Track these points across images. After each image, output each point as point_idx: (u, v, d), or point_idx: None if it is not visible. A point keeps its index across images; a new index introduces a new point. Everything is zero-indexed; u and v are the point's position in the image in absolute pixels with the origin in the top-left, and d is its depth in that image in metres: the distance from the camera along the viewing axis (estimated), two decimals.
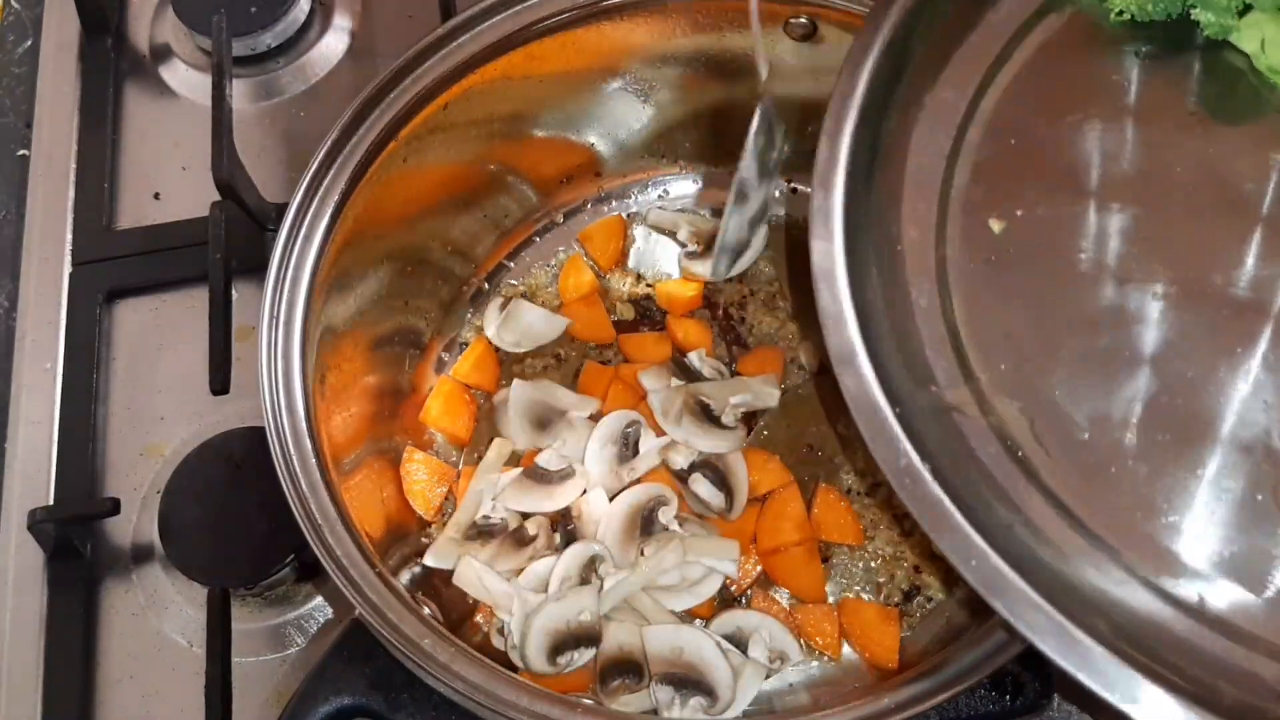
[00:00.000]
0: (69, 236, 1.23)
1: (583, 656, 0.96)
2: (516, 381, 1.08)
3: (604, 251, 1.17)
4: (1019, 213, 0.78)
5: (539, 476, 1.03)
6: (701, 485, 1.02)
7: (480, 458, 1.06)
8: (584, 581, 0.98)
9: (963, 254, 0.77)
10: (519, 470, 1.04)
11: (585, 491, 1.02)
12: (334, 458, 0.91)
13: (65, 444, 1.13)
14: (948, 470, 0.69)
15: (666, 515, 1.00)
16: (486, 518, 1.03)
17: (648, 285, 1.16)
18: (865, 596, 1.01)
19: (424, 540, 1.04)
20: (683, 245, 1.16)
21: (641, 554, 0.98)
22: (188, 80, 1.31)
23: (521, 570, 1.00)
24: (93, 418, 1.14)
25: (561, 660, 0.95)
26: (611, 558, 0.99)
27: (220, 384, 1.02)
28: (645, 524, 1.00)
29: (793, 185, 1.17)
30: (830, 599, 1.01)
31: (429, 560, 1.01)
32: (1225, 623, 0.67)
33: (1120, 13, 0.84)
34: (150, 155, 1.28)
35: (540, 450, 1.05)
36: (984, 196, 0.79)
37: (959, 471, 0.70)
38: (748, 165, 0.95)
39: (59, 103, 1.30)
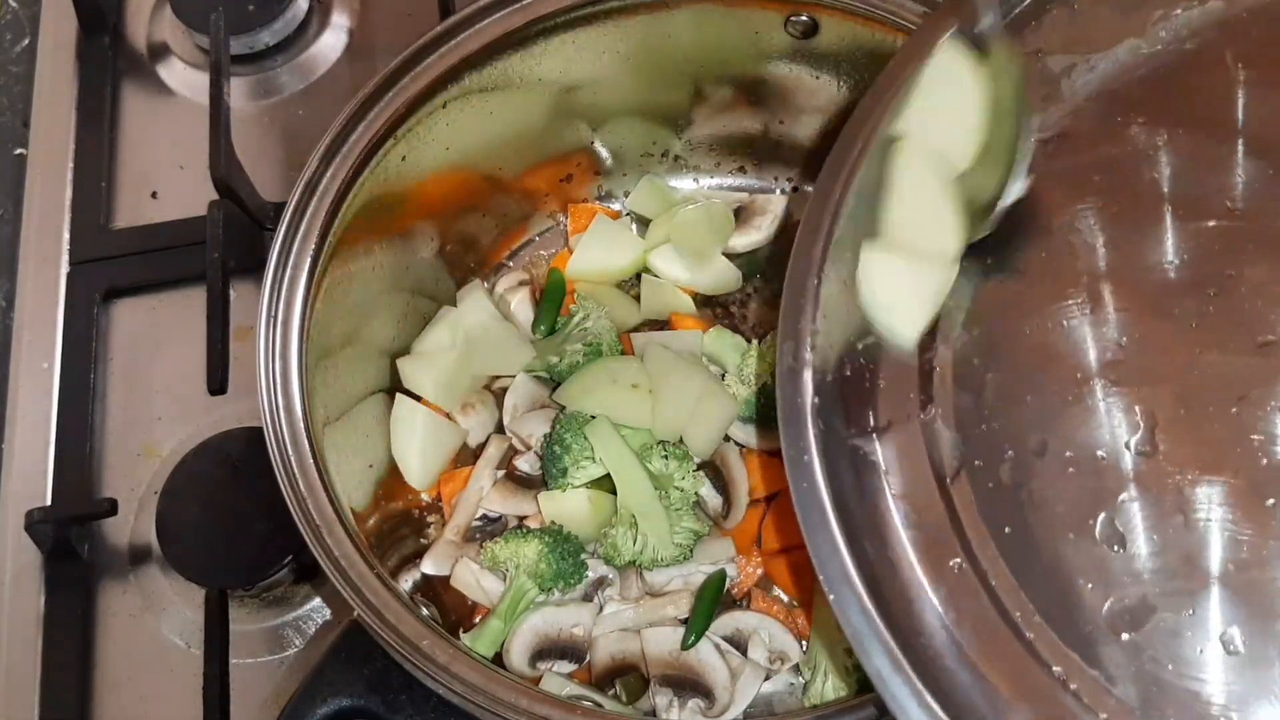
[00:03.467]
0: (66, 235, 1.22)
1: (562, 668, 0.95)
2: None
3: None
4: None
5: (519, 480, 1.03)
6: (703, 484, 1.02)
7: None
8: (587, 598, 0.98)
9: None
10: (501, 474, 1.04)
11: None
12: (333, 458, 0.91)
13: (62, 444, 1.12)
14: None
15: None
16: (485, 517, 1.03)
17: None
18: None
19: (423, 541, 1.03)
20: None
21: (641, 579, 0.98)
22: (186, 79, 1.31)
23: None
24: (90, 418, 1.14)
25: (541, 665, 0.95)
26: (617, 583, 0.98)
27: (218, 384, 1.02)
28: None
29: (794, 185, 1.17)
30: None
31: (427, 568, 1.00)
32: None
33: None
34: (148, 154, 1.27)
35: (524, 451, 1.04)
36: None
37: None
38: None
39: (56, 101, 1.30)
